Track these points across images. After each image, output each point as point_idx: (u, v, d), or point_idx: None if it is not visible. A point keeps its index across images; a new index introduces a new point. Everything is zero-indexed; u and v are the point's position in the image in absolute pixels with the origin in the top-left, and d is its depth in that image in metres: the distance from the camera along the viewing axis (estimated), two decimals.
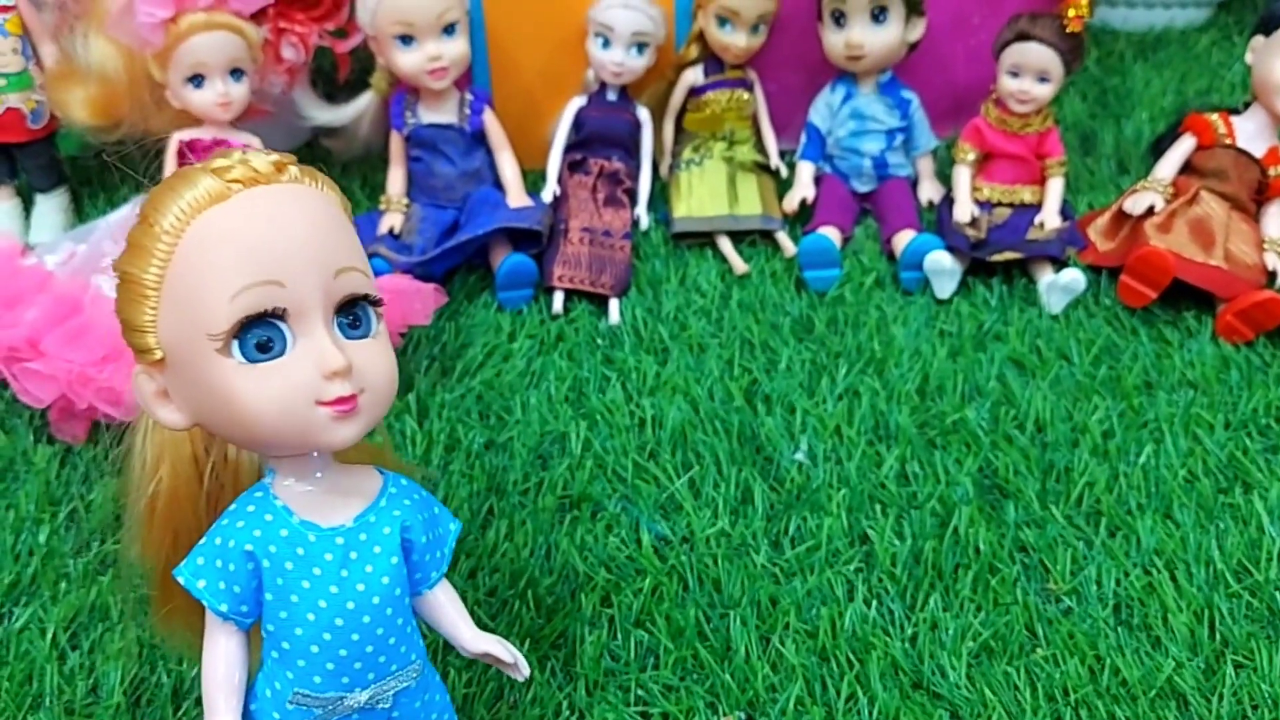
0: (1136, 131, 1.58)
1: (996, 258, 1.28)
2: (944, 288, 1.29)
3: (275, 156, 0.62)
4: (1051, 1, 1.44)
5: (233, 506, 0.65)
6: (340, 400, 0.59)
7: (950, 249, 1.29)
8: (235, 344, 0.58)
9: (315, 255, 0.59)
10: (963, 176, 1.36)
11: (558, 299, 1.29)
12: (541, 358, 1.24)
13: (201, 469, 0.70)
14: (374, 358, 0.62)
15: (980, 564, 0.99)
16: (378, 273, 1.24)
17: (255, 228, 0.58)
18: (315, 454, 0.64)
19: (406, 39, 1.29)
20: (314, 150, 1.54)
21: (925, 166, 1.45)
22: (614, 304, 1.30)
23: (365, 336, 0.62)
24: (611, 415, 1.15)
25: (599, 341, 1.26)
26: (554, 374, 1.21)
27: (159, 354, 0.60)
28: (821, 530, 1.02)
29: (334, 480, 0.66)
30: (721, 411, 1.16)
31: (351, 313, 0.62)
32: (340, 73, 1.48)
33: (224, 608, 0.64)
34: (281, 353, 0.59)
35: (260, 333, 0.58)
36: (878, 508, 1.05)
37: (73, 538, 1.02)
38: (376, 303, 0.63)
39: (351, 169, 1.53)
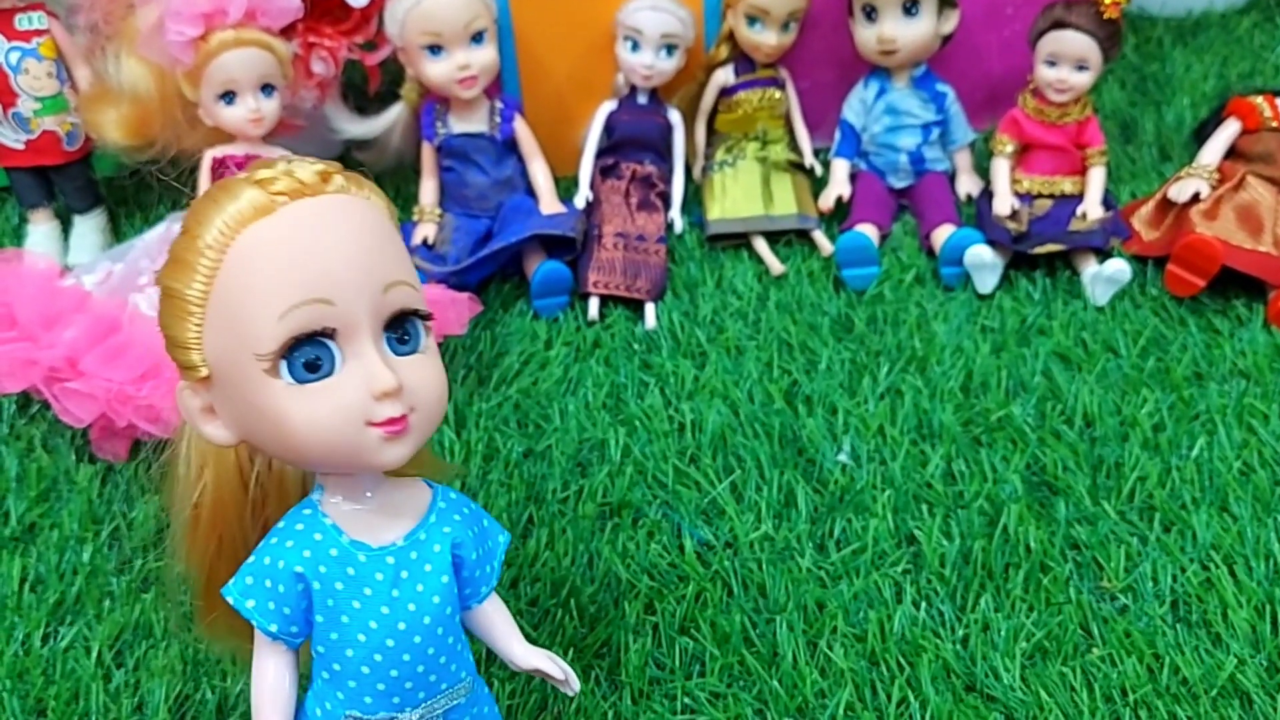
0: (1178, 118, 1.55)
1: (1039, 250, 1.26)
2: (985, 282, 1.27)
3: (320, 165, 0.60)
4: None
5: (281, 524, 0.65)
6: (391, 421, 0.58)
7: (991, 243, 1.27)
8: (283, 364, 0.57)
9: (364, 270, 0.58)
10: (1002, 169, 1.34)
11: (593, 305, 1.29)
12: (578, 364, 1.23)
13: (246, 477, 0.70)
14: (424, 375, 0.60)
15: (1031, 563, 0.97)
16: None
17: (302, 243, 0.57)
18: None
19: (435, 49, 1.29)
20: (346, 163, 1.54)
21: (963, 160, 1.43)
22: (650, 308, 1.29)
23: (414, 352, 0.61)
24: (650, 421, 1.15)
25: (635, 347, 1.25)
26: (591, 381, 1.20)
27: (204, 371, 0.60)
28: (867, 532, 1.01)
29: (384, 498, 0.65)
30: (762, 414, 1.15)
31: (401, 328, 0.60)
32: (370, 85, 1.48)
33: (274, 628, 0.63)
34: (330, 372, 0.58)
35: (309, 352, 0.57)
36: (924, 508, 1.03)
37: (115, 556, 1.03)
38: (426, 316, 0.62)
39: (384, 180, 1.52)
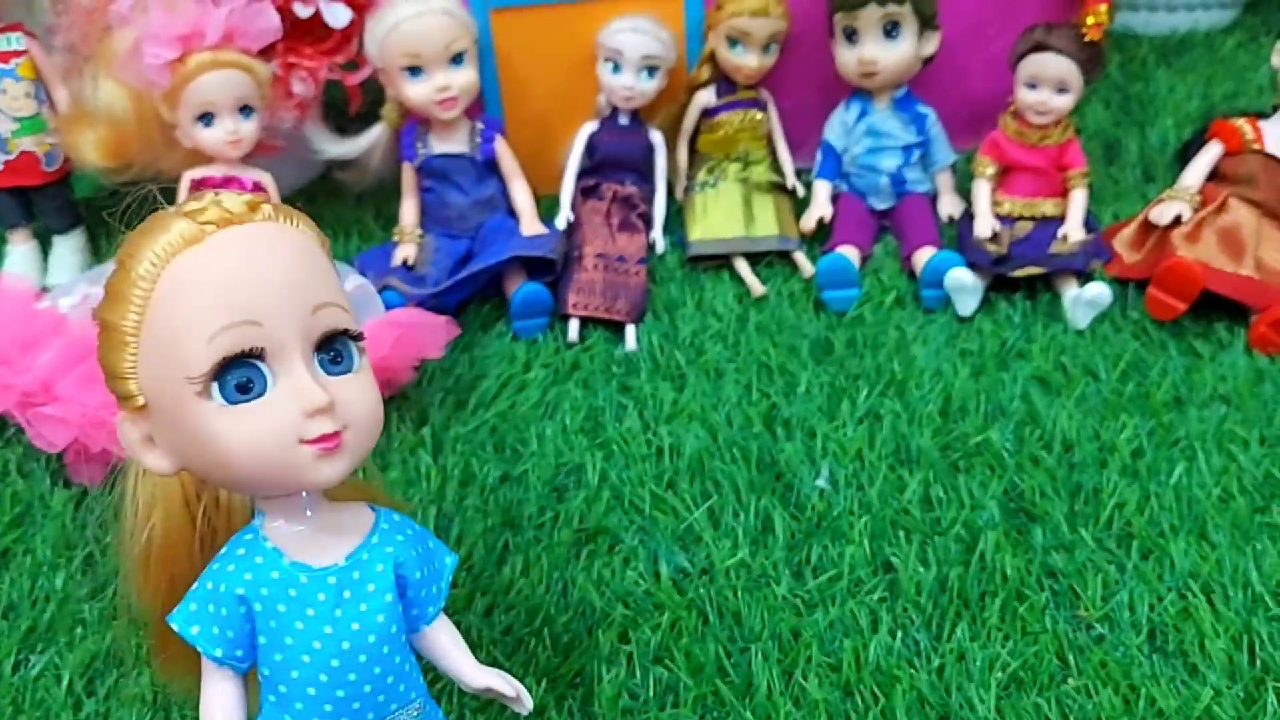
0: (1161, 138, 1.56)
1: (1019, 273, 1.26)
2: (966, 305, 1.27)
3: (248, 196, 0.62)
4: (1070, 10, 1.43)
5: (223, 550, 0.65)
6: (323, 438, 0.59)
7: (971, 265, 1.27)
8: (215, 386, 0.58)
9: (292, 293, 0.59)
10: (982, 191, 1.34)
11: (573, 327, 1.29)
12: (557, 387, 1.23)
13: (193, 513, 0.70)
14: (357, 393, 0.62)
15: (1008, 591, 0.97)
16: (390, 305, 1.24)
17: (230, 268, 0.58)
18: (304, 494, 0.63)
19: (415, 70, 1.29)
20: (327, 182, 1.55)
21: (944, 181, 1.43)
22: (630, 330, 1.29)
23: (347, 372, 0.62)
24: (628, 445, 1.14)
25: (615, 369, 1.25)
26: (569, 404, 1.20)
27: (141, 400, 0.61)
28: (844, 559, 1.00)
29: (324, 519, 0.65)
30: (740, 438, 1.14)
31: (332, 348, 0.61)
32: (351, 105, 1.48)
33: (218, 653, 0.64)
34: (262, 392, 0.59)
35: (240, 373, 0.58)
36: (901, 534, 1.03)
37: (88, 582, 1.02)
38: (357, 337, 0.63)
39: (365, 200, 1.54)
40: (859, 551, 1.01)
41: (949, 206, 1.42)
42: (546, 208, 1.48)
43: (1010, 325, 1.27)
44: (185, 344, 0.58)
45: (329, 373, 0.61)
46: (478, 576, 1.01)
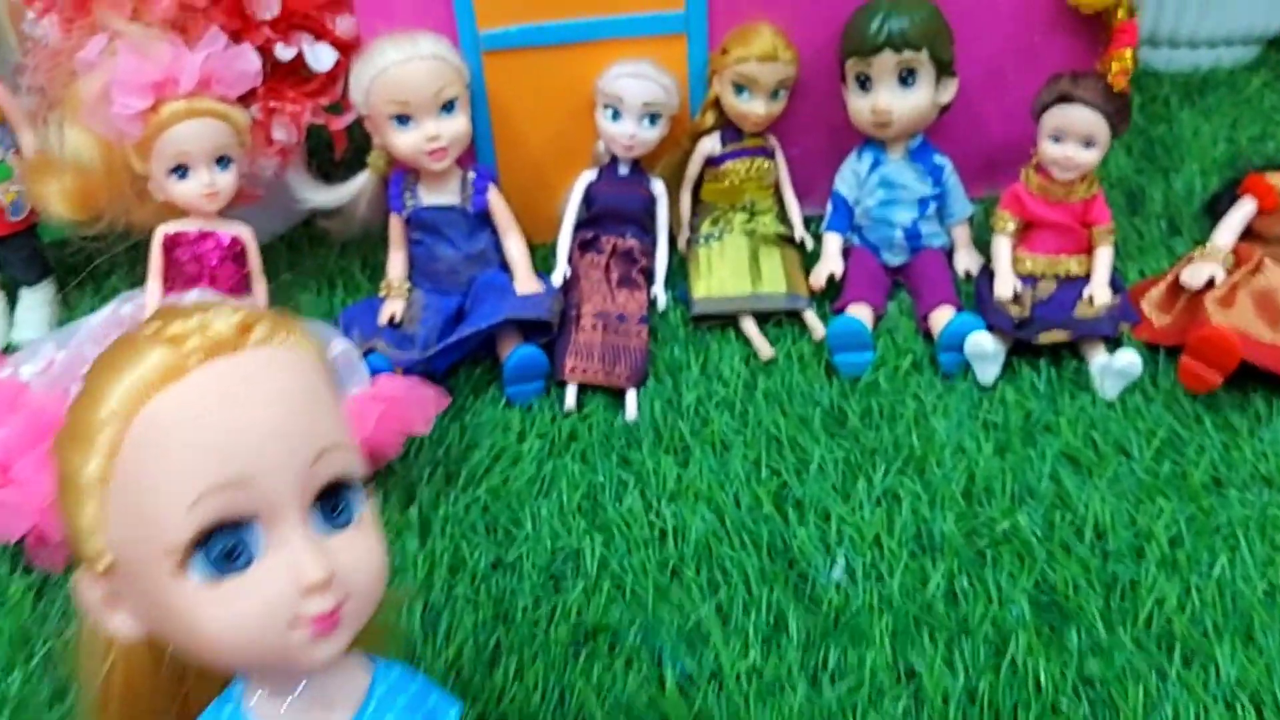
0: (1187, 186, 1.49)
1: (1044, 340, 1.20)
2: (987, 372, 1.20)
3: (240, 315, 0.54)
4: (1092, 54, 1.36)
5: None
6: (320, 617, 0.52)
7: (992, 329, 1.20)
8: (196, 556, 0.50)
9: (290, 441, 0.52)
10: (1003, 248, 1.27)
11: (570, 394, 1.22)
12: (553, 460, 1.16)
13: (158, 652, 0.62)
14: (359, 554, 0.54)
15: (1042, 703, 0.90)
16: (375, 370, 1.17)
17: (217, 414, 0.50)
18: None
19: (403, 118, 1.22)
20: (311, 230, 1.48)
21: (961, 235, 1.36)
22: (631, 397, 1.22)
23: (348, 524, 0.54)
24: (629, 528, 1.07)
25: (615, 440, 1.18)
26: (566, 480, 1.13)
27: (106, 561, 0.53)
28: (864, 664, 0.93)
29: (313, 687, 0.58)
30: (749, 520, 1.07)
31: (333, 499, 0.54)
32: (336, 150, 1.41)
33: None
34: (250, 561, 0.51)
35: (226, 540, 0.51)
36: (925, 634, 0.96)
37: (49, 684, 0.95)
38: (365, 480, 0.55)
39: (350, 249, 1.47)
40: (880, 655, 0.94)
41: (966, 261, 1.35)
42: (542, 256, 1.42)
43: (1035, 395, 1.20)
44: (161, 507, 0.50)
45: (328, 528, 0.53)
46: (467, 682, 0.94)
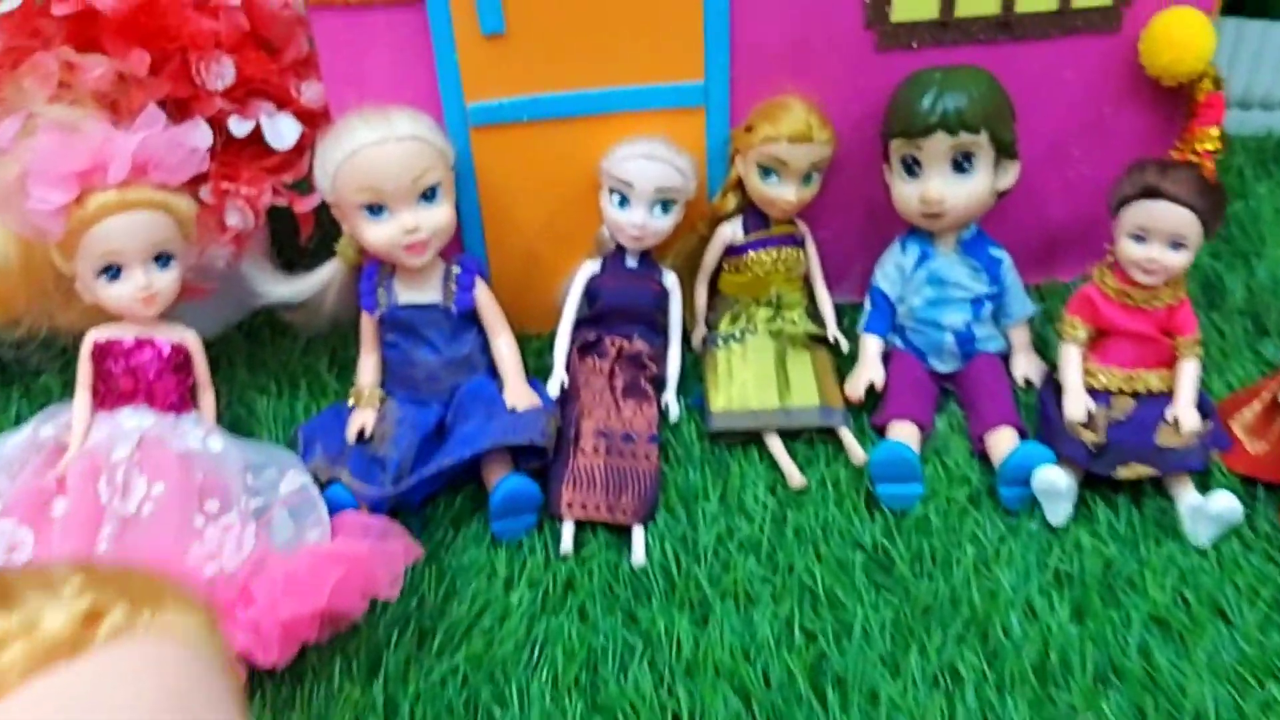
0: (1271, 275, 1.32)
1: (1124, 474, 1.03)
2: (1058, 513, 1.03)
3: (87, 602, 0.38)
4: (1168, 131, 1.19)
5: None
6: None
7: (1063, 459, 1.04)
8: None
9: None
10: (1073, 360, 1.10)
11: (566, 533, 1.05)
12: (546, 617, 0.99)
13: None
14: None
15: None
16: (337, 506, 1.01)
17: None
18: None
19: (375, 208, 1.06)
20: (273, 318, 1.31)
21: (1020, 337, 1.19)
22: (638, 536, 1.05)
23: None
24: (636, 713, 0.90)
25: (619, 590, 1.01)
26: (561, 645, 0.96)
27: None
28: None
29: None
30: (781, 703, 0.90)
31: None
32: (301, 234, 1.24)
33: None
34: None
35: None
36: None
37: None
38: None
39: (317, 343, 1.30)
40: None
41: (1025, 368, 1.19)
42: (537, 350, 1.25)
43: (1114, 538, 1.03)
44: None
45: None
46: None
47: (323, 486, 1.06)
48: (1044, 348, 1.22)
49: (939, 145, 1.07)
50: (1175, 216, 1.02)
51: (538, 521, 1.07)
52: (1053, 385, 1.14)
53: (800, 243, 1.20)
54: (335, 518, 1.01)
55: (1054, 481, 1.01)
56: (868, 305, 1.19)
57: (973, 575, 1.00)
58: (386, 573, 0.93)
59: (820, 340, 1.21)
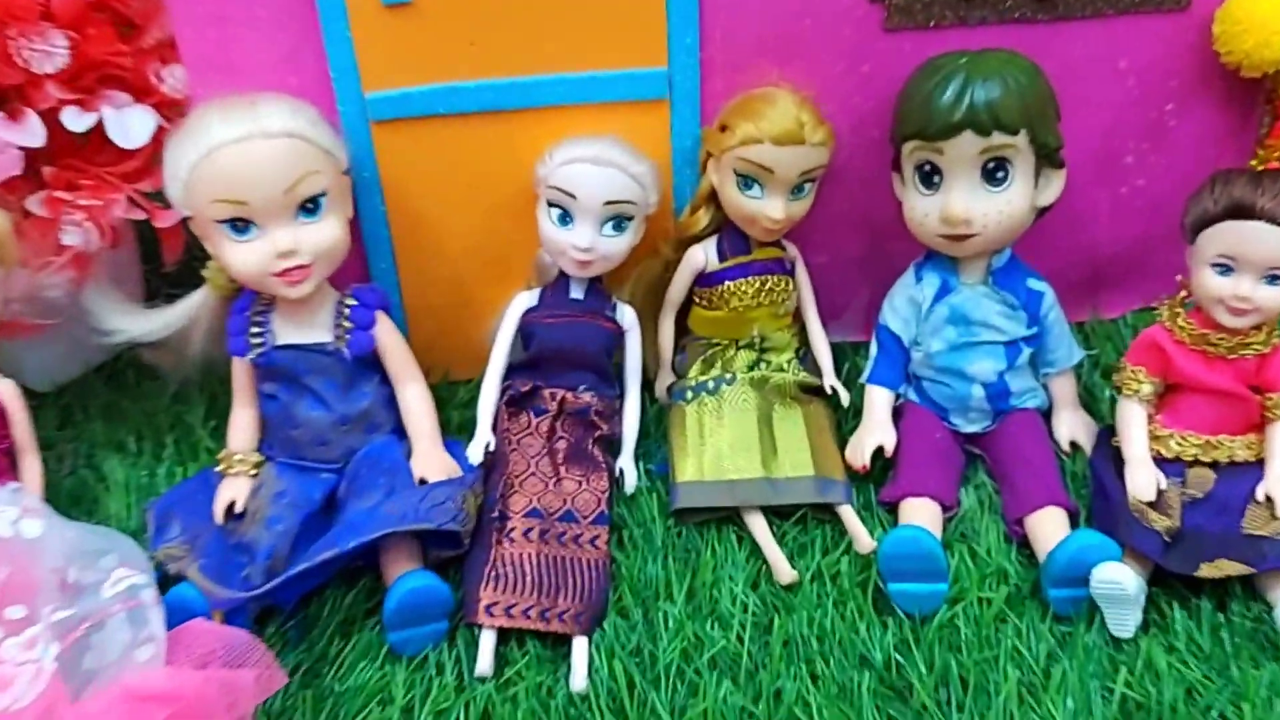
0: None
1: (1208, 572, 0.80)
2: (1125, 621, 0.80)
3: None
4: (1241, 134, 0.98)
5: None
6: None
7: (1129, 551, 0.81)
8: None
9: None
10: (1136, 421, 0.88)
11: (485, 647, 0.81)
12: None
13: None
14: None
15: None
16: (183, 615, 0.77)
17: None
18: None
19: (240, 225, 0.82)
20: (136, 364, 1.07)
21: (1064, 390, 0.97)
22: (579, 651, 0.81)
23: None
24: None
25: None
26: None
27: None
28: None
29: None
30: None
31: None
32: (165, 254, 1.00)
33: None
34: None
35: None
36: None
37: None
38: None
39: (190, 393, 1.06)
40: None
41: (1071, 428, 0.96)
42: (465, 401, 1.02)
43: (1197, 657, 0.80)
44: None
45: None
46: None
47: (174, 581, 0.83)
48: (1090, 403, 1.00)
49: (966, 149, 0.84)
50: (1273, 242, 0.80)
51: (449, 630, 0.84)
52: (1107, 452, 0.91)
53: (790, 270, 0.98)
54: (177, 630, 0.77)
55: (1120, 583, 0.78)
56: (874, 349, 0.96)
57: (1016, 708, 0.77)
58: (231, 716, 0.69)
59: (815, 392, 0.98)
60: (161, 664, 0.75)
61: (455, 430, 1.00)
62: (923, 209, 0.89)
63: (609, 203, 0.88)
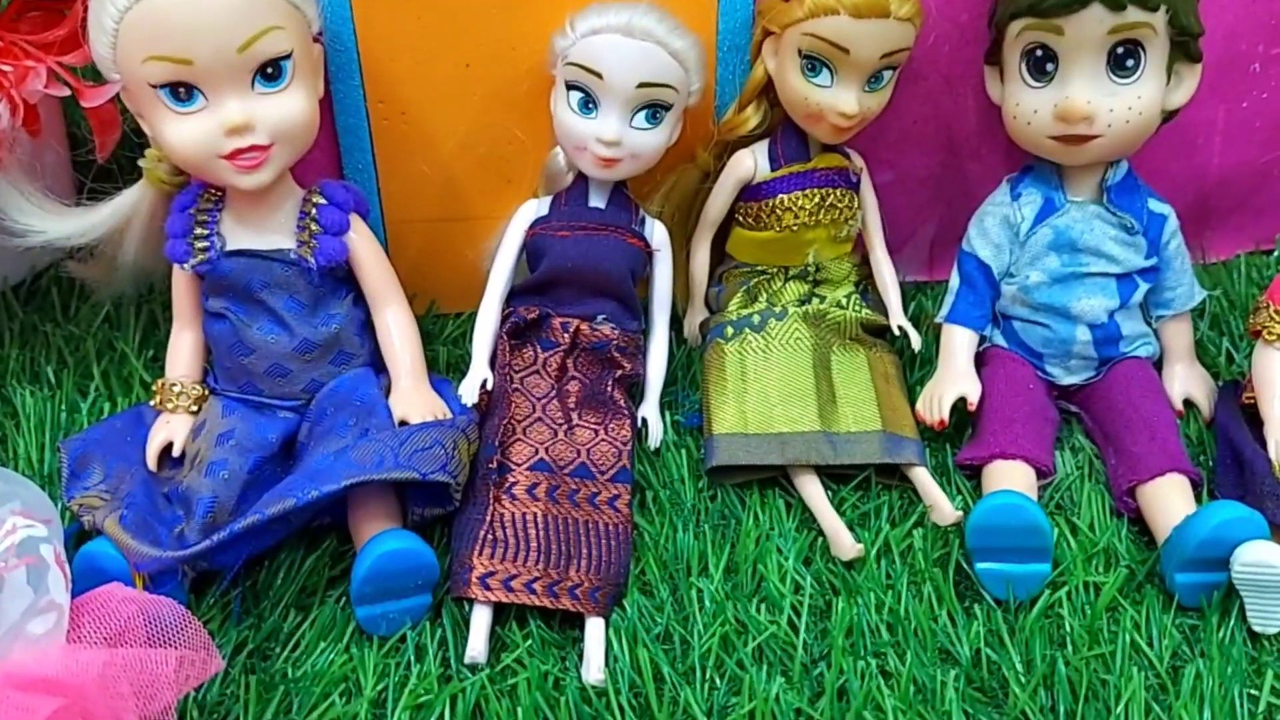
0: None
1: None
2: (1273, 613, 0.67)
3: None
4: None
5: None
6: None
7: (1276, 530, 0.68)
8: None
9: None
10: (1276, 375, 0.74)
11: (478, 627, 0.67)
12: None
13: None
14: None
15: None
16: (102, 575, 0.64)
17: None
18: None
19: (183, 92, 0.67)
20: (61, 283, 0.92)
21: (1180, 337, 0.83)
22: (594, 635, 0.67)
23: None
24: None
25: None
26: None
27: None
28: None
29: None
30: None
31: None
32: (98, 145, 0.85)
33: None
34: None
35: None
36: None
37: None
38: None
39: (124, 316, 0.91)
40: None
41: (1186, 383, 0.83)
42: (455, 337, 0.89)
43: None
44: None
45: None
46: None
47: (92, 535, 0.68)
48: (1215, 368, 0.87)
49: (1092, 28, 0.71)
50: None
51: (432, 606, 0.69)
52: (1233, 410, 0.78)
53: (855, 184, 0.83)
54: (86, 596, 0.62)
55: (1274, 566, 0.65)
56: (955, 281, 0.82)
57: (1140, 718, 0.63)
58: (143, 708, 0.54)
59: (878, 334, 0.84)
60: (61, 639, 0.60)
61: (442, 371, 0.86)
62: (1031, 104, 0.74)
63: (643, 85, 0.73)
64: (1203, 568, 0.69)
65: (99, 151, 0.87)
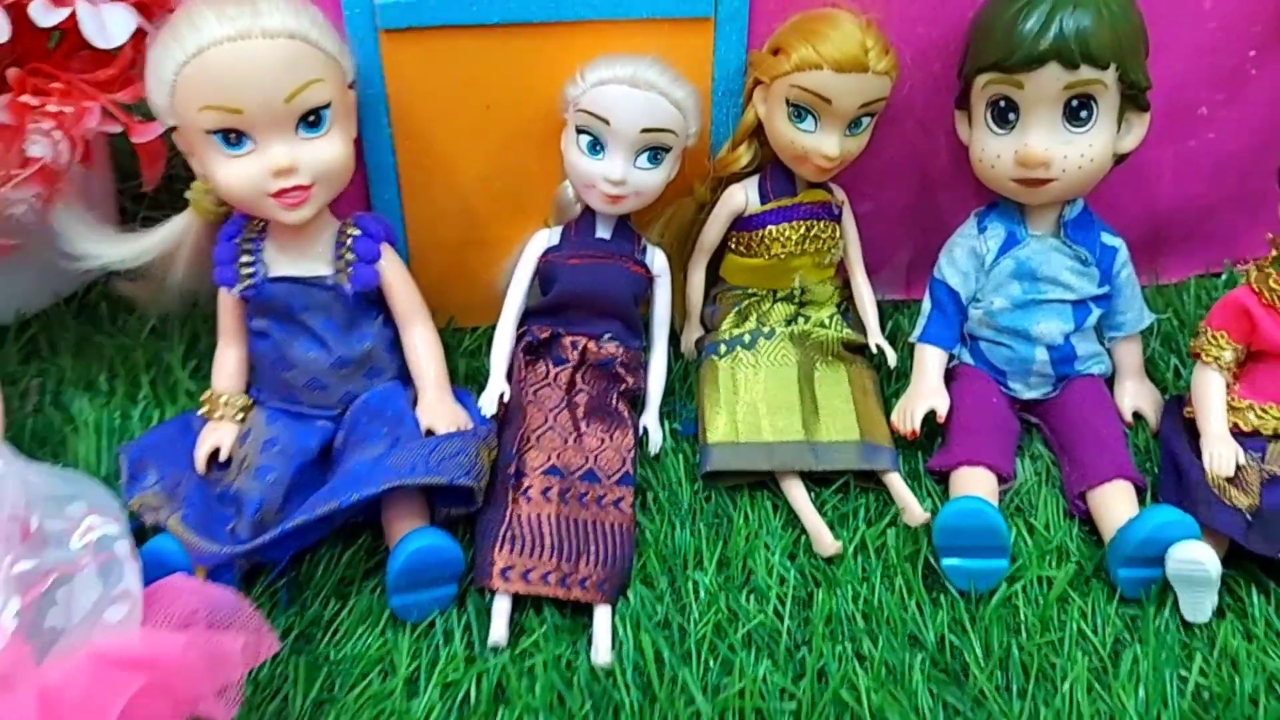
0: None
1: None
2: (1201, 606, 0.77)
3: None
4: None
5: None
6: None
7: (1207, 531, 0.77)
8: None
9: None
10: (1215, 391, 0.84)
11: (499, 615, 0.76)
12: None
13: None
14: None
15: None
16: (159, 571, 0.72)
17: None
18: None
19: (233, 137, 0.76)
20: (110, 296, 1.01)
21: (1130, 356, 0.93)
22: (602, 622, 0.76)
23: None
24: None
25: (572, 703, 0.72)
26: None
27: None
28: None
29: None
30: None
31: None
32: (145, 175, 0.94)
33: None
34: None
35: None
36: None
37: None
38: None
39: (171, 324, 0.99)
40: None
41: (1135, 397, 0.93)
42: (472, 350, 0.97)
43: (1277, 643, 0.76)
44: None
45: None
46: None
47: (151, 533, 0.77)
48: (1160, 382, 0.96)
49: (1050, 84, 0.80)
50: None
51: (458, 595, 0.78)
52: (1177, 424, 0.87)
53: (837, 216, 0.92)
54: (155, 586, 0.71)
55: (1202, 563, 0.74)
56: (927, 305, 0.91)
57: (1083, 695, 0.73)
58: (215, 684, 0.64)
59: (859, 350, 0.93)
60: (137, 625, 0.69)
61: (461, 381, 0.95)
62: (995, 150, 0.84)
63: (646, 130, 0.82)
64: (1142, 564, 0.78)
65: (146, 183, 0.96)
